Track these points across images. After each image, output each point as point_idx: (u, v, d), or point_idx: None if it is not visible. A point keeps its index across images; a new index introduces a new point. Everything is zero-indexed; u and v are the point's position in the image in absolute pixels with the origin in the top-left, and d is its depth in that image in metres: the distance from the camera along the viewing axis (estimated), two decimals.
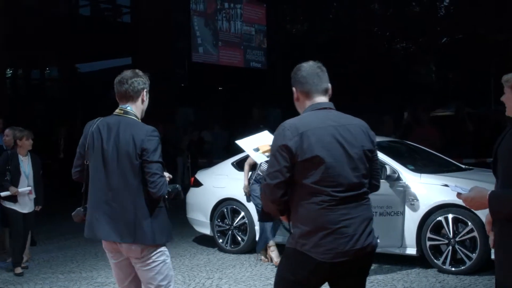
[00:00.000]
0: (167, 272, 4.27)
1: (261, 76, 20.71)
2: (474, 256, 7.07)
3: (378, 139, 9.42)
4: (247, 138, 4.13)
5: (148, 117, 4.49)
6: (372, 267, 7.68)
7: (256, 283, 7.16)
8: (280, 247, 8.13)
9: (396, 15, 23.42)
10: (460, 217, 7.18)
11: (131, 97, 4.26)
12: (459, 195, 3.32)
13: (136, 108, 4.27)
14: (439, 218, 7.32)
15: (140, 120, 4.28)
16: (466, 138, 12.66)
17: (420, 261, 7.55)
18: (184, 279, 7.41)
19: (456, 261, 7.22)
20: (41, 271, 8.08)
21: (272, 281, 7.17)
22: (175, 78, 19.37)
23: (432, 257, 7.35)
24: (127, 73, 4.31)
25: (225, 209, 8.86)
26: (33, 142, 8.07)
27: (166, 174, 4.26)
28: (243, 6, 20.22)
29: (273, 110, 18.47)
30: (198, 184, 9.30)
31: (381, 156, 7.91)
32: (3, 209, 7.96)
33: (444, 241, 7.32)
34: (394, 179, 7.55)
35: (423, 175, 7.71)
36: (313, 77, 3.51)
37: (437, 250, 7.39)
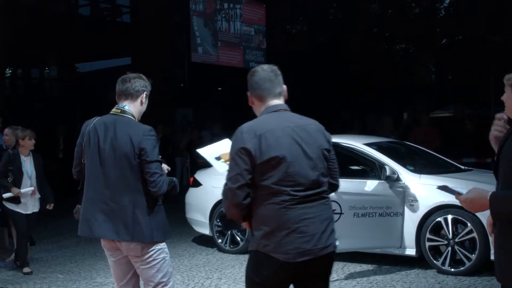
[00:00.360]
0: (167, 269, 4.30)
1: None
2: (473, 257, 7.07)
3: (378, 139, 9.48)
4: (208, 146, 4.11)
5: (147, 117, 4.50)
6: (371, 268, 7.76)
7: None
8: None
9: (395, 16, 23.43)
10: (460, 218, 7.18)
11: (130, 95, 4.29)
12: (458, 196, 3.29)
13: (133, 108, 4.29)
14: (439, 219, 7.32)
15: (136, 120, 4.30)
16: (466, 139, 12.67)
17: (419, 262, 7.55)
18: (183, 279, 7.41)
19: (455, 262, 7.22)
20: (40, 270, 8.07)
21: None
22: (175, 78, 19.39)
23: (432, 258, 7.35)
24: (131, 74, 4.36)
25: (224, 209, 8.84)
26: (35, 141, 8.02)
27: (165, 167, 4.30)
28: (243, 6, 20.23)
29: None
30: (197, 184, 9.29)
31: (381, 156, 7.92)
32: (5, 210, 7.92)
33: (443, 242, 7.31)
34: (394, 179, 7.55)
35: (422, 175, 7.71)
36: (266, 82, 3.55)
37: (436, 251, 7.38)
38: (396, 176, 7.56)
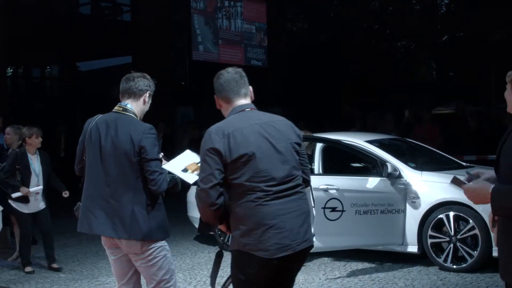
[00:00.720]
0: (168, 266, 4.31)
1: (262, 74, 20.69)
2: (475, 253, 7.06)
3: (379, 137, 9.48)
4: (172, 161, 4.09)
5: (148, 115, 4.51)
6: (373, 265, 7.76)
7: None
8: None
9: (396, 13, 23.40)
10: (462, 214, 7.18)
11: (133, 94, 4.31)
12: (463, 185, 3.28)
13: (136, 107, 4.31)
14: (440, 216, 7.31)
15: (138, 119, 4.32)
16: (468, 136, 12.65)
17: (421, 258, 7.54)
18: (185, 277, 7.41)
19: (457, 258, 7.22)
20: (42, 269, 8.07)
21: None
22: (175, 77, 19.37)
23: (434, 254, 7.35)
24: (136, 73, 4.39)
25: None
26: (42, 140, 7.95)
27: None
28: (244, 4, 20.20)
29: (273, 108, 18.46)
30: None
31: (382, 153, 7.92)
32: (11, 210, 7.88)
33: (445, 238, 7.31)
34: (395, 176, 7.54)
35: (424, 172, 7.71)
36: (231, 84, 3.63)
37: (438, 248, 7.38)
38: (397, 173, 7.55)
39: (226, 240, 8.76)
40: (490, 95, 17.97)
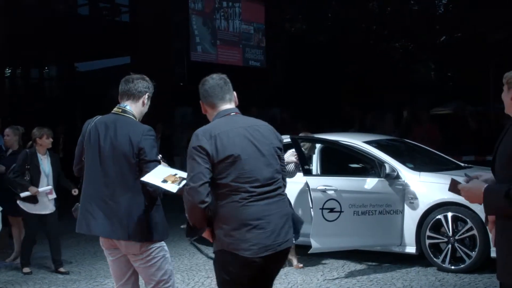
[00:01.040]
0: (167, 267, 4.33)
1: (260, 74, 20.69)
2: (473, 254, 7.07)
3: (378, 137, 9.49)
4: (148, 174, 4.08)
5: (146, 116, 4.52)
6: (371, 266, 7.76)
7: None
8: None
9: (394, 13, 23.40)
10: (460, 215, 7.18)
11: (132, 95, 4.33)
12: (458, 184, 3.34)
13: (135, 108, 4.33)
14: (439, 217, 7.32)
15: (137, 120, 4.34)
16: (467, 136, 12.65)
17: (419, 259, 7.55)
18: (183, 278, 7.41)
19: (455, 259, 7.22)
20: (40, 270, 8.07)
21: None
22: (174, 77, 19.34)
23: (432, 255, 7.35)
24: (135, 75, 4.42)
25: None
26: (52, 140, 7.91)
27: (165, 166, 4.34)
28: (242, 5, 20.19)
29: (271, 109, 18.46)
30: None
31: (380, 154, 7.92)
32: (13, 210, 7.84)
33: (443, 239, 7.32)
34: (393, 177, 7.54)
35: (422, 173, 7.71)
36: (215, 90, 3.74)
37: (436, 249, 7.39)
38: (395, 173, 7.56)
39: None
40: (489, 96, 17.96)
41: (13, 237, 8.69)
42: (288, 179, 7.71)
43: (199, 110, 3.85)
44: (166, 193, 4.04)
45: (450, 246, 7.24)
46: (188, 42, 18.58)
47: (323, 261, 7.98)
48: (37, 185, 7.68)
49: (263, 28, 20.88)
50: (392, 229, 7.50)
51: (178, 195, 3.88)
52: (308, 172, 7.66)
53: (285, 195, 3.73)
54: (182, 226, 3.54)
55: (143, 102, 4.37)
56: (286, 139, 8.25)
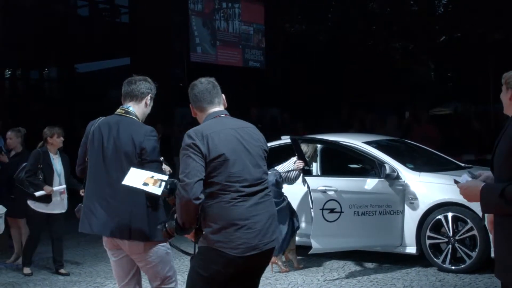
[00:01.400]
0: (171, 264, 4.42)
1: (260, 75, 20.70)
2: (474, 254, 7.07)
3: (378, 138, 9.49)
4: (127, 178, 4.09)
5: (147, 116, 4.56)
6: (372, 266, 7.75)
7: None
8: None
9: (394, 14, 23.40)
10: (460, 215, 7.18)
11: (135, 97, 4.40)
12: (457, 183, 3.37)
13: (138, 109, 4.39)
14: (439, 217, 7.32)
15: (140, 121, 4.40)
16: (470, 136, 12.63)
17: (420, 260, 7.55)
18: (184, 279, 7.36)
19: (456, 259, 7.22)
20: (41, 272, 8.07)
21: (271, 280, 7.20)
22: (174, 78, 19.36)
23: (432, 255, 7.35)
24: (138, 76, 4.49)
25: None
26: (63, 139, 7.89)
27: (166, 168, 4.43)
28: (241, 6, 20.19)
29: (271, 109, 18.47)
30: None
31: (381, 154, 7.92)
32: (28, 210, 7.81)
33: (444, 239, 7.31)
34: (394, 178, 7.54)
35: (422, 173, 7.71)
36: (204, 94, 3.82)
37: (437, 249, 7.38)
38: (396, 174, 7.55)
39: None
40: (489, 96, 17.97)
41: (12, 238, 8.67)
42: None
43: None
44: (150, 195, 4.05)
45: (450, 246, 7.23)
46: (188, 43, 18.58)
47: (324, 262, 7.98)
48: (50, 185, 7.67)
49: (263, 28, 20.88)
50: (392, 229, 7.50)
51: (164, 197, 3.94)
52: (308, 173, 7.67)
53: (271, 195, 3.81)
54: (158, 227, 3.56)
55: (146, 103, 4.44)
56: (287, 139, 8.27)
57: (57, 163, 7.82)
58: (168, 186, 3.90)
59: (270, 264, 7.53)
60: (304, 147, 7.78)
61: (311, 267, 7.76)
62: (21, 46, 17.03)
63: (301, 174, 7.62)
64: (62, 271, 7.87)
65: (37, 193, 7.59)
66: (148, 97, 4.44)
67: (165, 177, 3.99)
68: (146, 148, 4.16)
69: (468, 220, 7.10)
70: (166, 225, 3.74)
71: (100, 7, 22.45)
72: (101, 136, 4.28)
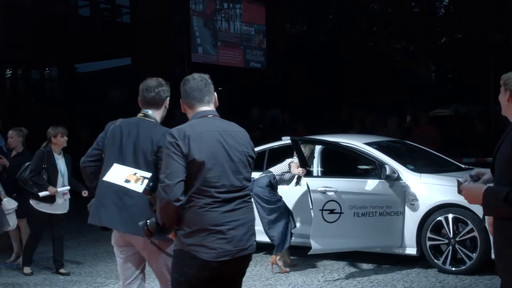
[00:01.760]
0: None
1: (261, 76, 20.69)
2: (474, 256, 7.07)
3: (378, 139, 9.49)
4: (108, 174, 4.15)
5: None
6: (372, 267, 7.75)
7: (256, 283, 7.15)
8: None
9: (395, 14, 23.40)
10: (460, 217, 7.18)
11: (156, 104, 4.55)
12: (460, 184, 3.36)
13: (157, 114, 4.56)
14: (439, 218, 7.32)
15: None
16: (473, 138, 12.62)
17: (420, 261, 7.55)
18: None
19: (456, 261, 7.22)
20: (41, 272, 8.07)
21: (272, 281, 7.20)
22: (174, 79, 19.34)
23: (432, 257, 7.35)
24: (152, 82, 4.58)
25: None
26: (67, 139, 7.89)
27: None
28: (243, 6, 20.18)
29: (272, 110, 18.47)
30: None
31: (381, 155, 7.92)
32: (31, 209, 7.81)
33: (444, 241, 7.31)
34: (394, 179, 7.54)
35: (423, 175, 7.71)
36: (195, 91, 3.75)
37: (437, 250, 7.38)
38: (396, 175, 7.55)
39: None
40: (489, 97, 17.97)
41: (11, 238, 8.67)
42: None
43: None
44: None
45: (450, 247, 7.23)
46: (189, 44, 18.58)
47: (324, 263, 7.98)
48: (54, 185, 7.68)
49: (264, 29, 20.87)
50: (392, 230, 7.49)
51: (146, 194, 3.94)
52: (308, 174, 7.68)
53: (251, 202, 3.73)
54: (140, 224, 3.57)
55: (165, 106, 4.61)
56: (287, 140, 8.28)
57: (61, 163, 7.84)
58: (151, 184, 3.91)
59: (270, 264, 7.57)
60: (301, 147, 7.79)
61: (311, 268, 7.76)
62: (21, 46, 17.02)
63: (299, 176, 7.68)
64: (62, 270, 7.88)
65: (41, 193, 7.60)
66: (167, 100, 4.60)
67: (148, 174, 4.04)
68: (162, 146, 4.18)
69: (468, 222, 7.10)
70: (148, 223, 3.70)
71: (101, 7, 22.43)
72: (121, 134, 4.40)
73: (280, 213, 7.57)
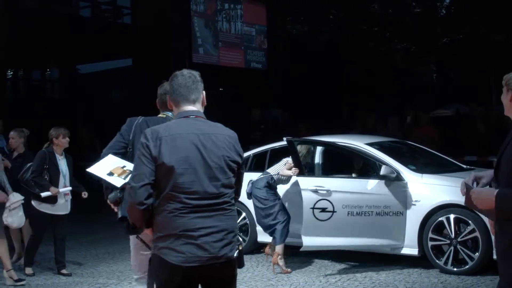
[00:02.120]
0: None
1: (262, 76, 20.69)
2: (476, 256, 7.06)
3: (380, 139, 9.49)
4: (95, 164, 4.09)
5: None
6: (373, 268, 7.73)
7: (257, 283, 7.15)
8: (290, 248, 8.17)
9: (396, 15, 23.41)
10: (462, 217, 7.17)
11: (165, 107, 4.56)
12: (469, 188, 3.32)
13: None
14: (441, 218, 7.31)
15: None
16: (474, 138, 12.58)
17: (422, 261, 7.54)
18: None
19: (458, 261, 7.22)
20: (43, 273, 8.07)
21: (273, 281, 7.21)
22: None
23: (434, 257, 7.34)
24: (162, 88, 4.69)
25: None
26: (69, 140, 7.91)
27: None
28: (244, 7, 20.19)
29: (273, 110, 18.48)
30: None
31: (383, 156, 7.92)
32: (31, 209, 7.79)
33: (446, 241, 7.31)
34: (392, 179, 7.55)
35: (424, 175, 7.71)
36: (182, 88, 3.59)
37: (439, 251, 7.38)
38: (395, 175, 7.56)
39: None
40: (490, 97, 17.94)
41: (12, 239, 8.67)
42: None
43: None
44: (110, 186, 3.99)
45: (452, 248, 7.22)
46: (190, 44, 18.59)
47: (326, 263, 7.97)
48: (56, 185, 7.69)
49: (265, 30, 20.88)
50: (394, 230, 7.49)
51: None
52: (301, 173, 7.82)
53: (231, 209, 3.50)
54: (111, 195, 3.60)
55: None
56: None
57: (63, 164, 7.86)
58: None
59: (271, 265, 7.57)
60: (298, 147, 7.85)
61: (313, 268, 7.76)
62: (23, 47, 17.03)
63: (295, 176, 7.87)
64: (64, 271, 7.89)
65: (43, 194, 7.61)
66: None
67: None
68: None
69: (470, 222, 7.09)
70: (110, 196, 3.68)
71: (102, 8, 22.43)
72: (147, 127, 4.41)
73: (280, 210, 7.71)
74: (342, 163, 8.81)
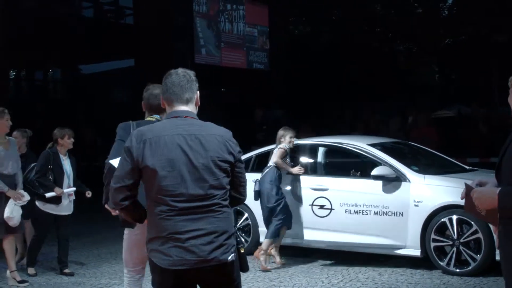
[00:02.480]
0: None
1: (264, 77, 20.70)
2: (478, 257, 7.05)
3: (382, 140, 9.50)
4: (118, 159, 4.08)
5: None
6: (376, 269, 7.72)
7: (260, 284, 7.15)
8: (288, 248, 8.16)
9: (398, 16, 23.40)
10: (465, 218, 7.16)
11: (163, 110, 4.56)
12: (470, 188, 3.31)
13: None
14: (444, 219, 7.30)
15: None
16: (476, 139, 12.59)
17: (424, 262, 7.53)
18: None
19: (460, 262, 7.20)
20: (45, 273, 8.07)
21: (276, 282, 7.20)
22: None
23: (437, 258, 7.33)
24: (155, 90, 4.65)
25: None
26: (74, 140, 7.93)
27: None
28: (246, 7, 20.21)
29: (275, 111, 18.49)
30: None
31: (385, 157, 7.92)
32: (35, 210, 7.80)
33: (448, 242, 7.29)
34: (391, 179, 7.58)
35: (427, 176, 7.70)
36: (176, 87, 3.52)
37: (441, 252, 7.36)
38: (394, 175, 7.59)
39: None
40: (493, 98, 17.94)
41: (15, 239, 8.65)
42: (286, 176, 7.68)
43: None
44: None
45: (455, 249, 7.21)
46: (192, 45, 18.60)
47: (328, 264, 7.97)
48: (60, 186, 7.70)
49: (267, 30, 20.89)
50: (396, 231, 7.48)
51: None
52: (306, 172, 8.08)
53: (222, 211, 3.40)
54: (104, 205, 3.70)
55: None
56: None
57: (67, 165, 7.87)
58: None
59: (258, 259, 7.67)
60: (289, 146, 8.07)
61: (315, 269, 7.75)
62: (25, 47, 17.07)
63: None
64: (66, 271, 7.89)
65: (48, 194, 7.62)
66: None
67: None
68: None
69: (472, 223, 7.08)
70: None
71: (104, 9, 22.47)
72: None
73: (281, 209, 7.82)
74: (343, 163, 8.86)
